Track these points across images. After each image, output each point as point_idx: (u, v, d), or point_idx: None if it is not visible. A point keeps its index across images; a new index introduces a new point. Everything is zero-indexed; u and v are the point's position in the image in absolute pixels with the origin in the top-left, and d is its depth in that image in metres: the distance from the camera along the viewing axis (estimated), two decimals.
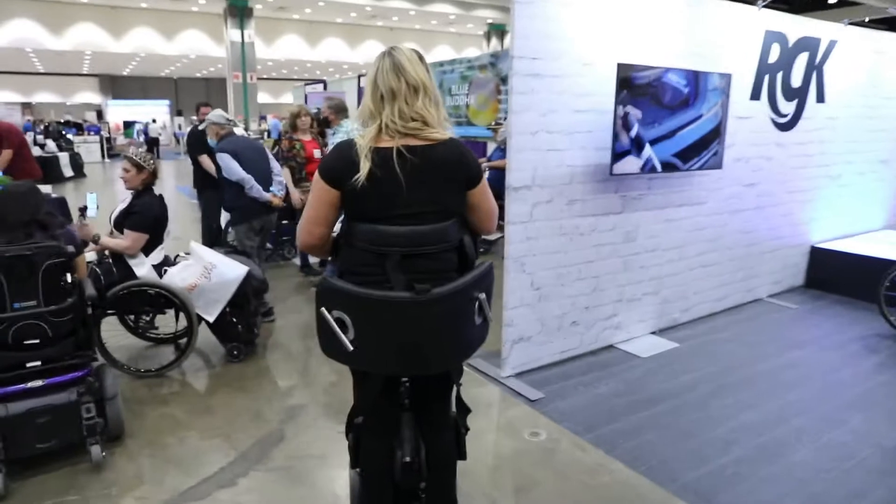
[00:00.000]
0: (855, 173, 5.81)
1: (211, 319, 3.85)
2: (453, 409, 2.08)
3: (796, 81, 4.96)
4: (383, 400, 1.91)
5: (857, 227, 6.06)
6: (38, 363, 2.80)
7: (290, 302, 5.42)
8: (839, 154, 5.56)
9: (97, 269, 3.71)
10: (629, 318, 4.35)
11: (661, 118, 3.85)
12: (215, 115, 4.87)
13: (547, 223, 3.74)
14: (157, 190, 3.99)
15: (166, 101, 29.49)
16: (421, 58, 1.86)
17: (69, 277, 2.89)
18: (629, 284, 4.27)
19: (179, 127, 25.63)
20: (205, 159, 6.51)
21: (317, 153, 5.81)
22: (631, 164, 3.80)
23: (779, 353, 4.21)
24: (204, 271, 3.81)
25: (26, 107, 34.79)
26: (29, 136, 17.01)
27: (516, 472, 2.83)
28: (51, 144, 15.29)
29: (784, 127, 4.98)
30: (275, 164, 4.94)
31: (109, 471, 2.81)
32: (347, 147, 1.77)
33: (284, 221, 6.69)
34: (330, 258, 1.96)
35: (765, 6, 4.69)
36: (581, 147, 3.79)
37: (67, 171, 14.84)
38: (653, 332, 4.51)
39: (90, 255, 3.82)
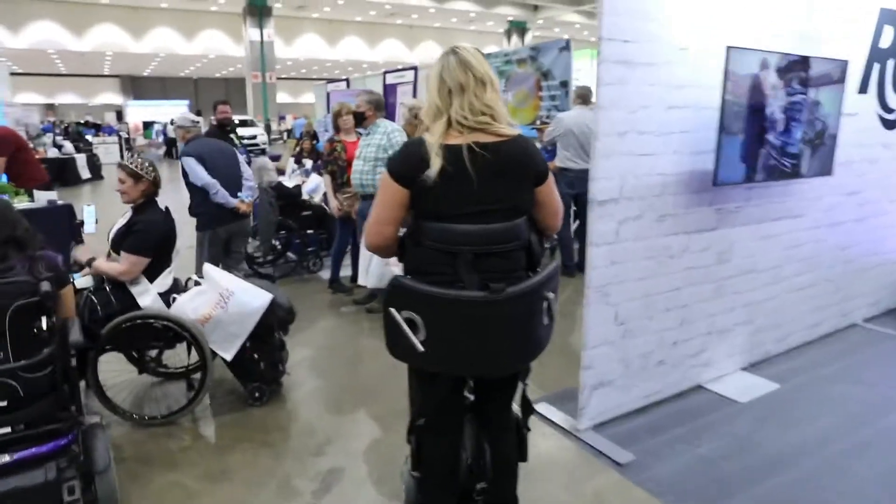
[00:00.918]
0: None
1: (229, 357, 3.18)
2: (516, 410, 2.05)
3: None
4: (448, 401, 1.90)
5: None
6: (7, 430, 2.15)
7: (318, 325, 4.74)
8: None
9: (93, 298, 3.05)
10: (718, 353, 3.62)
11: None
12: (180, 117, 4.54)
13: (634, 244, 3.02)
14: (167, 199, 3.33)
15: (186, 101, 29.02)
16: (483, 55, 1.83)
17: (45, 321, 2.23)
18: (720, 313, 3.54)
19: None
20: None
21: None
22: (739, 170, 3.06)
23: None
24: (220, 300, 3.14)
25: (49, 108, 34.70)
26: (48, 138, 16.61)
27: None
28: (68, 146, 14.77)
29: (891, 124, 4.21)
30: (245, 169, 4.60)
31: None
32: (417, 144, 1.73)
33: (310, 231, 6.02)
34: (397, 258, 1.91)
35: None
36: (674, 151, 3.06)
37: (85, 173, 14.33)
38: (743, 368, 3.77)
39: (85, 280, 3.17)
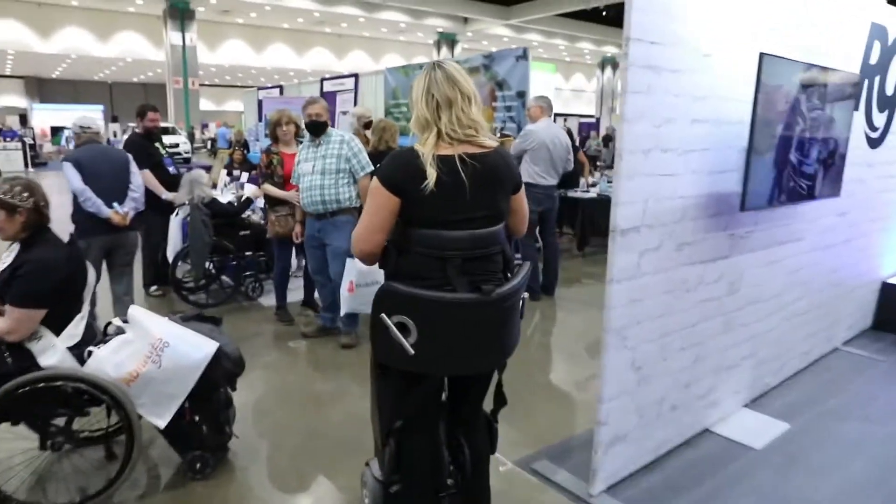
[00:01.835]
0: None
1: (162, 424, 2.49)
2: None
3: (890, 88, 3.99)
4: (431, 400, 1.93)
5: None
6: None
7: (264, 363, 4.05)
8: None
9: None
10: (725, 391, 3.23)
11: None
12: (75, 121, 4.27)
13: (654, 278, 2.57)
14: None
15: (100, 107, 26.93)
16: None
17: None
18: (729, 348, 3.16)
19: (115, 134, 23.31)
20: (148, 175, 5.05)
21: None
22: (766, 193, 2.68)
23: None
24: (151, 352, 2.45)
25: None
26: None
27: None
28: None
29: (874, 143, 4.01)
30: (135, 179, 4.19)
31: None
32: (409, 155, 1.77)
33: (248, 252, 5.29)
34: (379, 265, 1.89)
35: None
36: (693, 171, 2.64)
37: None
38: (746, 405, 3.42)
39: None
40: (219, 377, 2.61)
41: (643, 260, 2.50)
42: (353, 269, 3.98)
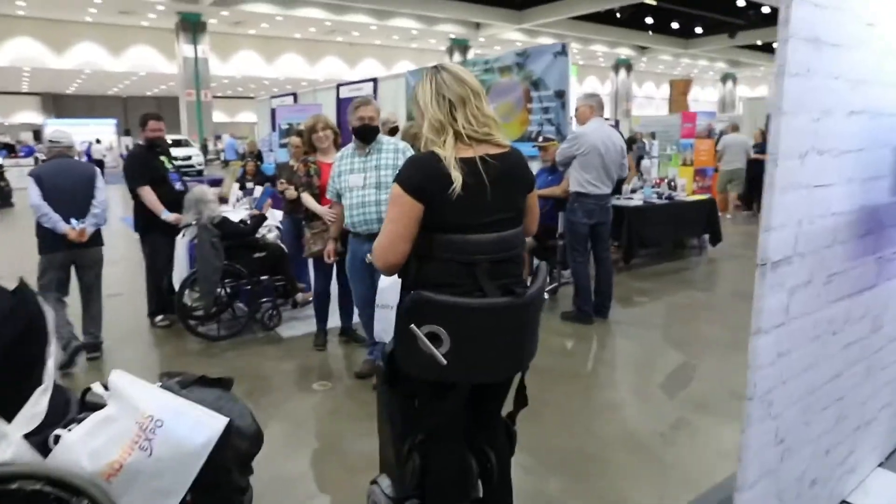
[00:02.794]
0: None
1: None
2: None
3: None
4: (459, 409, 1.83)
5: None
6: None
7: (285, 412, 3.41)
8: None
9: None
10: (862, 452, 2.55)
11: None
12: (47, 135, 4.29)
13: (802, 322, 1.90)
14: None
15: (112, 120, 26.62)
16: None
17: None
18: (869, 399, 2.48)
19: (127, 147, 22.95)
20: (146, 192, 4.47)
21: None
22: None
23: None
24: (139, 434, 1.83)
25: None
26: None
27: None
28: None
29: None
30: (99, 194, 4.03)
31: None
32: (431, 159, 1.70)
33: (264, 276, 4.68)
34: (398, 275, 1.82)
35: None
36: (848, 179, 1.98)
37: None
38: (881, 464, 2.73)
39: None
40: (229, 460, 1.98)
41: (793, 300, 1.83)
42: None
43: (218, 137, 29.45)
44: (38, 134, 26.71)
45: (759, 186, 6.66)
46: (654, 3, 23.07)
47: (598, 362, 4.26)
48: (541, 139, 5.35)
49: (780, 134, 1.64)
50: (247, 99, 35.09)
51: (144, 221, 4.64)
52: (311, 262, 4.48)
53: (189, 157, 21.25)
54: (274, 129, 10.65)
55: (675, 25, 27.34)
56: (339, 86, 8.76)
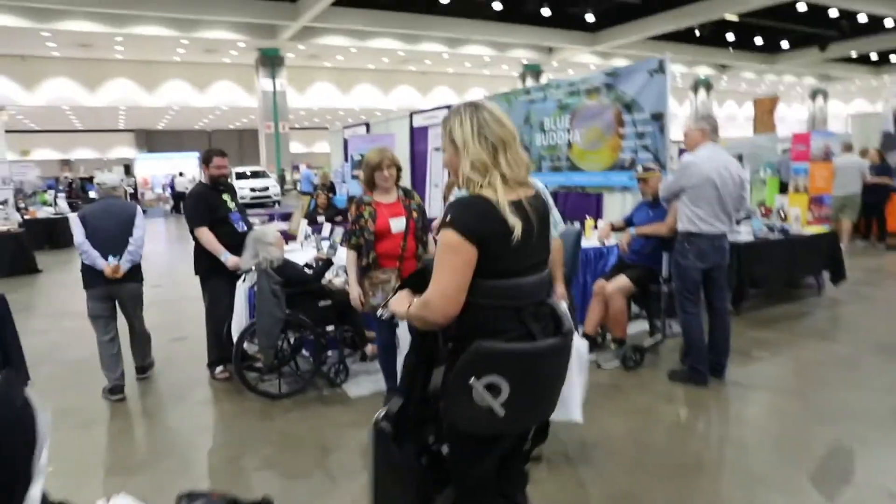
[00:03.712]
0: None
1: None
2: None
3: None
4: (498, 461, 1.76)
5: None
6: None
7: (351, 495, 2.84)
8: None
9: None
10: None
11: None
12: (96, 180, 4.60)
13: None
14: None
15: (195, 153, 27.72)
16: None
17: None
18: None
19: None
20: (205, 233, 4.11)
21: (397, 225, 3.39)
22: None
23: None
24: None
25: (65, 163, 33.53)
26: (50, 195, 15.06)
27: None
28: (62, 204, 13.07)
29: None
30: (136, 232, 4.17)
31: None
32: (485, 204, 1.63)
33: (330, 327, 4.19)
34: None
35: None
36: None
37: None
38: None
39: None
40: None
41: None
42: None
43: (295, 168, 30.11)
44: (128, 168, 28.11)
45: (878, 213, 5.58)
46: (737, 18, 21.83)
47: (723, 441, 3.46)
48: (640, 168, 4.64)
49: None
50: (323, 129, 35.92)
51: (205, 264, 4.27)
52: None
53: (266, 188, 21.66)
54: (346, 159, 10.41)
55: (758, 41, 25.80)
56: (412, 114, 8.35)
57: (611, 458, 3.16)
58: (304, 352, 4.47)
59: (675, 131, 5.30)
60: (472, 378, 1.55)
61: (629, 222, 4.62)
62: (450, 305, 1.62)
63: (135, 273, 4.21)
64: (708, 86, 32.41)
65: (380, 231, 3.42)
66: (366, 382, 4.21)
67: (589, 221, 5.55)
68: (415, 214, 3.54)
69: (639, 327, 5.05)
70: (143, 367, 4.50)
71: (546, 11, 20.74)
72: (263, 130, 23.85)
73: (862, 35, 23.83)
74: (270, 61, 23.01)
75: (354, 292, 3.52)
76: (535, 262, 1.71)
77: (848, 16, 21.03)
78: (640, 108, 5.19)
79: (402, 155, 6.67)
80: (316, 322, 4.06)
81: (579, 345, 2.92)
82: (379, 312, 2.17)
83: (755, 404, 3.87)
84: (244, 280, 4.19)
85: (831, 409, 3.71)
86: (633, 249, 4.48)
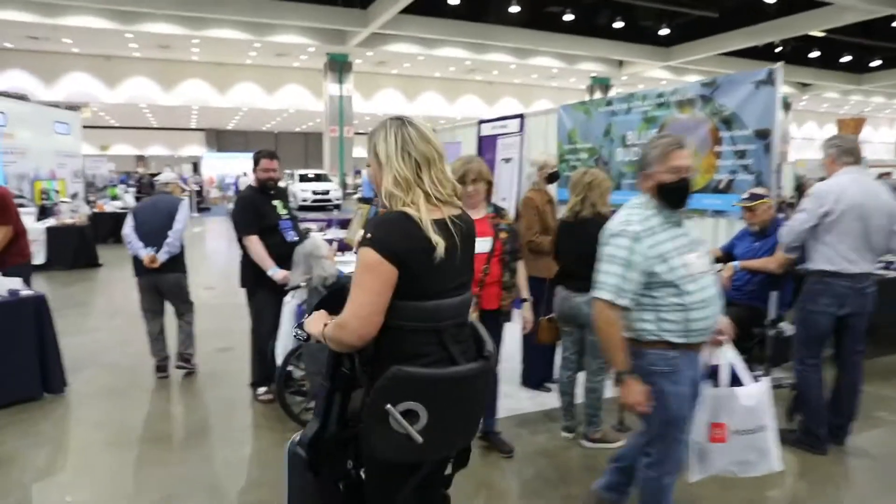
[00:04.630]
0: None
1: None
2: None
3: None
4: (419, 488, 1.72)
5: None
6: None
7: None
8: None
9: None
10: None
11: None
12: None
13: None
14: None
15: None
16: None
17: None
18: None
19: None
20: (253, 242, 3.75)
21: (480, 246, 2.90)
22: None
23: None
24: None
25: (140, 159, 34.84)
26: (121, 189, 15.37)
27: None
28: (129, 199, 13.24)
29: None
30: (175, 225, 4.40)
31: None
32: (407, 221, 1.56)
33: None
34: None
35: None
36: None
37: None
38: None
39: None
40: None
41: None
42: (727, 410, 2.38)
43: (357, 172, 30.23)
44: (196, 166, 28.83)
45: None
46: (822, 34, 20.45)
47: None
48: (746, 194, 4.00)
49: None
50: None
51: (252, 276, 3.91)
52: None
53: (327, 192, 21.68)
54: None
55: (845, 59, 24.15)
56: (480, 122, 7.87)
57: None
58: None
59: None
60: (389, 405, 1.49)
61: (728, 253, 3.98)
62: (365, 327, 1.55)
63: (175, 264, 4.45)
64: (786, 105, 30.70)
65: None
66: None
67: None
68: (503, 235, 3.06)
69: None
70: (183, 356, 4.63)
71: (618, 24, 20.02)
72: (328, 134, 23.97)
73: None
74: (338, 66, 23.10)
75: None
76: (459, 284, 1.66)
77: None
78: (742, 123, 4.54)
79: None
80: None
81: (762, 388, 2.40)
82: (294, 333, 2.02)
83: (885, 482, 3.17)
84: (292, 297, 3.80)
85: None
86: (735, 285, 3.84)
